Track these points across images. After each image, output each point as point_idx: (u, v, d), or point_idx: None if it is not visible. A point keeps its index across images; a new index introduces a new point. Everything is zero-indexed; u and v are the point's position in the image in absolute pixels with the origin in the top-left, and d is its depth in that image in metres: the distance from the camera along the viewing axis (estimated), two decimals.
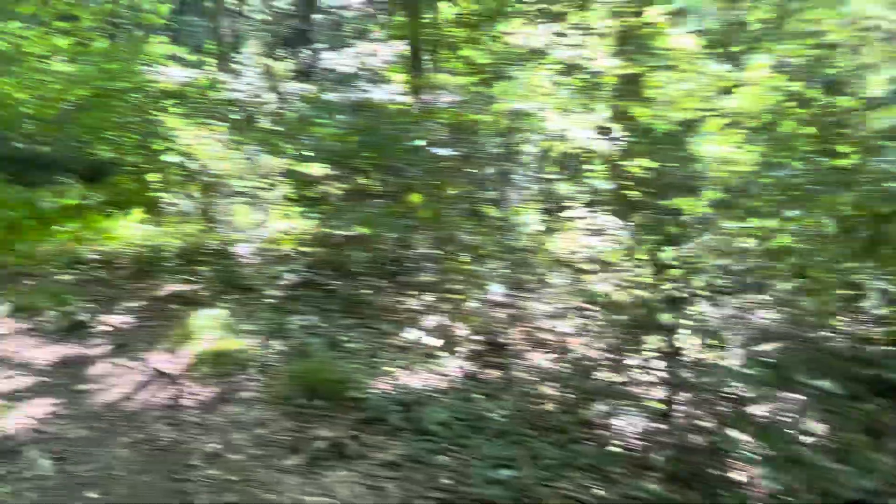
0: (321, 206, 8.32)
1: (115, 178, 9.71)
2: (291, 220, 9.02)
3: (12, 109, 7.98)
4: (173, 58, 9.66)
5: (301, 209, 9.35)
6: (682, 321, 4.29)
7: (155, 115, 7.87)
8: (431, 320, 5.37)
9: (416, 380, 4.29)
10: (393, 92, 13.16)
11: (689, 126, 5.81)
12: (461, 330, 5.16)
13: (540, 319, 5.20)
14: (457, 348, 4.79)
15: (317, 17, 18.85)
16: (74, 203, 9.57)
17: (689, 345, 4.43)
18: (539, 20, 5.57)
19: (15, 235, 7.81)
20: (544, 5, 5.56)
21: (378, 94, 13.44)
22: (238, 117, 8.90)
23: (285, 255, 8.04)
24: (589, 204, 6.82)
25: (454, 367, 4.52)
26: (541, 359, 4.77)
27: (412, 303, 5.86)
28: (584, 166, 7.16)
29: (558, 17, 5.43)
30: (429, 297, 5.72)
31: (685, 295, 4.42)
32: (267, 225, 8.83)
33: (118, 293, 6.27)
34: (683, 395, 4.08)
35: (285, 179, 9.10)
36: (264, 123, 9.60)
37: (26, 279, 6.44)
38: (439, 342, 4.80)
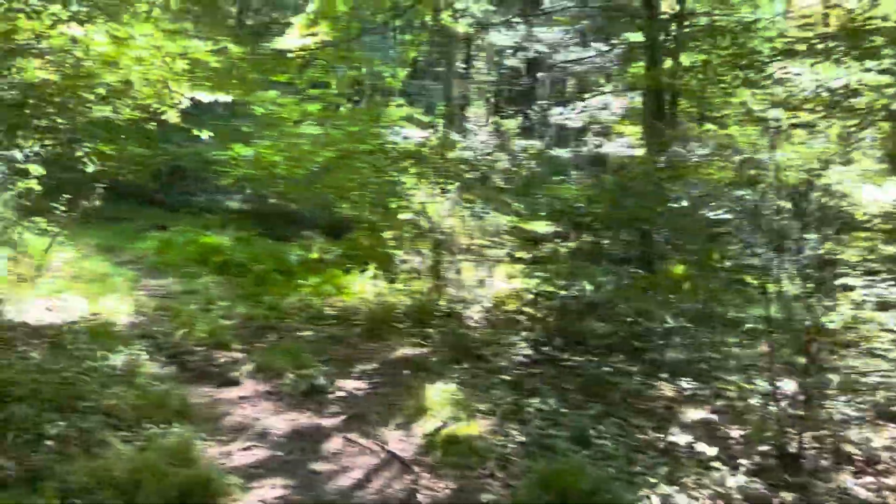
0: (552, 267, 7.79)
1: (354, 234, 10.06)
2: (519, 281, 8.60)
3: (267, 170, 8.55)
4: (409, 119, 9.91)
5: (530, 269, 8.89)
6: None
7: (393, 175, 7.95)
8: (695, 416, 4.49)
9: (689, 499, 3.46)
10: (626, 145, 12.46)
11: None
12: (736, 431, 4.23)
13: (842, 425, 4.11)
14: (738, 459, 3.86)
15: (543, 74, 18.79)
16: (316, 257, 10.04)
17: None
18: (835, 57, 4.60)
19: (262, 288, 8.27)
20: (839, 42, 4.58)
21: (610, 148, 12.82)
22: (470, 175, 8.78)
23: (514, 319, 7.59)
24: (872, 273, 5.56)
25: (736, 483, 3.61)
26: (852, 480, 3.70)
27: (667, 389, 5.02)
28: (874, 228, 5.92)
29: (865, 53, 4.42)
30: (689, 385, 4.84)
31: None
32: (494, 285, 8.48)
33: (353, 353, 6.20)
34: None
35: (513, 238, 8.75)
36: (495, 181, 9.40)
37: (270, 333, 6.63)
38: (713, 449, 3.91)
